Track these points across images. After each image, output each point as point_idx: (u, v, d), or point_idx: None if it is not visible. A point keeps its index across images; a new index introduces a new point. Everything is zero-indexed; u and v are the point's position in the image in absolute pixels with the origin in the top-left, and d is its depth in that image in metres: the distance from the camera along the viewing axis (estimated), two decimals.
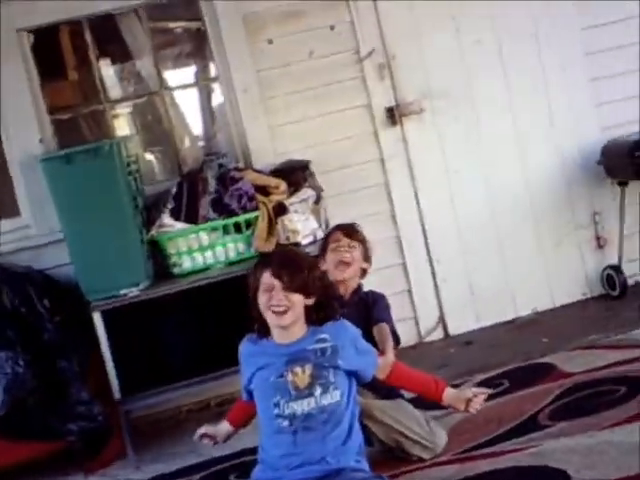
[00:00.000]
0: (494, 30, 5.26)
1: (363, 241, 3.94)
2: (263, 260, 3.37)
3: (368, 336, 3.58)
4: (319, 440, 3.21)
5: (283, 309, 3.24)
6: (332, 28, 5.15)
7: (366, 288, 3.97)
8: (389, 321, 3.82)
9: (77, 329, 4.38)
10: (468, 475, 3.40)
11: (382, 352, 3.59)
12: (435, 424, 3.76)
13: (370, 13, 5.16)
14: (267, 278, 3.26)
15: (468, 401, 3.57)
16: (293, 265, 3.27)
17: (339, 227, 4.00)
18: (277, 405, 3.23)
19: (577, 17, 5.29)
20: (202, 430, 3.61)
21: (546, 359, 4.48)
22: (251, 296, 3.31)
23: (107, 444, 4.30)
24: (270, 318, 3.27)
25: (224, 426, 3.62)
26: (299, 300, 3.25)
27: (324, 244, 3.97)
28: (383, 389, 3.74)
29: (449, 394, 3.60)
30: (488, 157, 5.27)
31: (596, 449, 3.34)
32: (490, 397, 3.98)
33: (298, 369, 3.24)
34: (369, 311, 3.83)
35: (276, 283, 3.23)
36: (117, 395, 4.30)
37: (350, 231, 3.93)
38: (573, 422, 3.65)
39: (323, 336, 3.30)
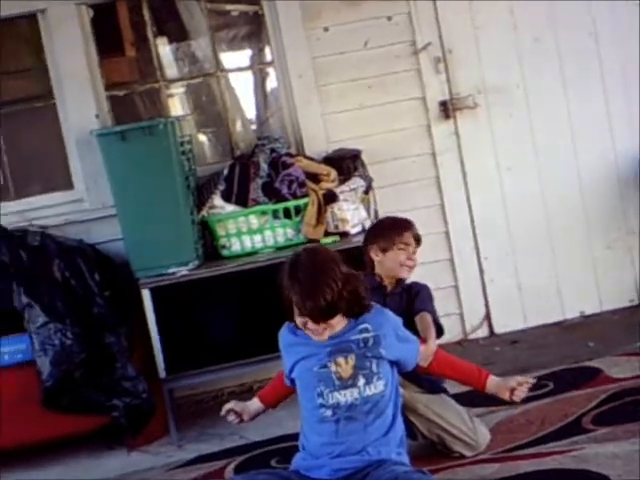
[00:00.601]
0: (553, 28, 5.22)
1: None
2: (290, 278, 3.18)
3: (411, 326, 3.56)
4: (361, 430, 3.20)
5: (320, 332, 3.22)
6: (389, 19, 5.13)
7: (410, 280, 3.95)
8: (431, 311, 3.80)
9: (125, 305, 4.40)
10: (509, 474, 3.38)
11: (424, 340, 3.57)
12: (478, 421, 3.74)
13: (428, 6, 5.14)
14: (297, 312, 3.19)
15: (512, 390, 3.53)
16: (318, 294, 3.11)
17: (409, 228, 3.88)
18: (321, 395, 3.22)
19: (637, 18, 5.22)
20: (230, 405, 3.58)
21: (592, 363, 4.45)
22: (286, 304, 3.23)
23: (150, 421, 4.30)
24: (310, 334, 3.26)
25: (254, 403, 3.60)
26: (334, 320, 3.20)
27: (389, 237, 3.85)
28: (427, 382, 3.73)
29: (492, 382, 3.56)
30: (542, 156, 5.24)
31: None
32: (534, 398, 3.99)
33: (341, 359, 3.22)
34: (412, 301, 3.81)
35: (307, 319, 3.18)
36: (162, 373, 4.32)
37: (419, 238, 3.88)
38: (617, 428, 3.62)
39: (365, 326, 3.28)
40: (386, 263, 3.82)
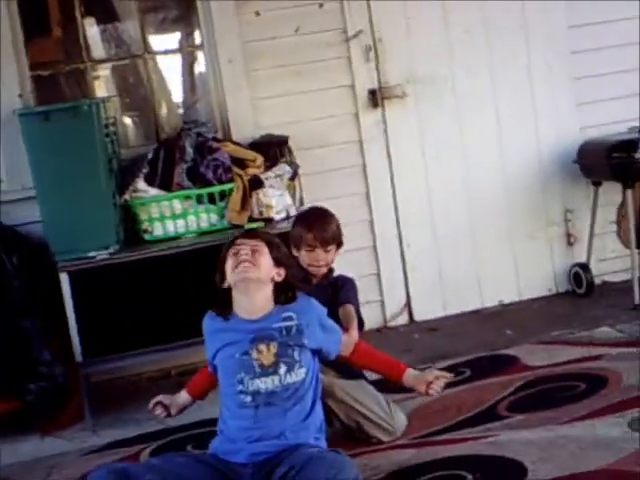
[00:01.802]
0: (483, 21, 5.25)
1: (336, 239, 3.84)
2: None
3: (334, 318, 3.59)
4: (280, 415, 3.22)
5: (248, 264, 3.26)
6: (321, 6, 5.11)
7: (337, 271, 3.94)
8: (355, 303, 3.82)
9: (44, 288, 4.33)
10: (425, 460, 3.42)
11: (346, 330, 3.60)
12: (396, 407, 3.77)
13: None
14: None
15: (429, 383, 3.58)
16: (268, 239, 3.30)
17: (315, 228, 3.79)
18: (241, 382, 3.23)
19: (565, 15, 5.30)
20: (158, 398, 3.59)
21: (509, 351, 4.51)
22: (219, 266, 3.31)
23: (65, 406, 4.27)
24: (235, 275, 3.27)
25: (182, 396, 3.61)
26: (266, 263, 3.27)
27: (298, 237, 3.83)
28: (345, 368, 3.75)
29: (410, 375, 3.61)
30: (467, 146, 5.28)
31: (554, 443, 3.37)
32: (451, 385, 4.01)
33: (263, 347, 3.24)
34: (337, 293, 3.81)
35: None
36: (79, 358, 4.27)
37: (327, 239, 3.80)
38: (532, 415, 3.68)
39: (289, 314, 3.30)
40: (300, 260, 3.81)
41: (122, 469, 3.12)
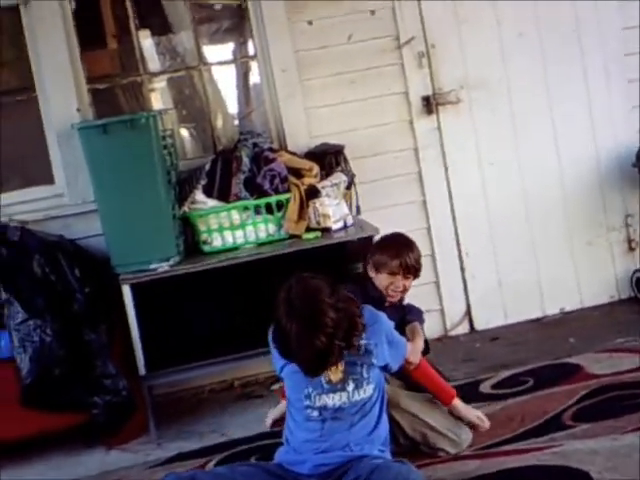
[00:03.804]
0: (536, 25, 5.22)
1: (418, 270, 3.89)
2: (286, 307, 3.12)
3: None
4: (346, 429, 3.23)
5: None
6: (373, 13, 5.11)
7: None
8: (422, 325, 3.88)
9: (105, 301, 4.36)
10: (489, 471, 3.39)
11: (411, 339, 3.65)
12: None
13: (412, 0, 5.10)
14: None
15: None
16: (311, 346, 3.05)
17: (401, 256, 3.81)
18: (308, 397, 3.24)
19: (619, 17, 5.25)
20: (270, 417, 3.72)
21: (572, 359, 4.46)
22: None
23: (130, 419, 4.28)
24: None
25: (283, 405, 3.61)
26: None
27: (382, 258, 3.83)
28: (410, 379, 3.75)
29: (456, 408, 3.66)
30: (523, 151, 5.24)
31: (620, 452, 3.33)
32: (514, 395, 4.02)
33: None
34: (405, 317, 3.87)
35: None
36: (142, 370, 4.29)
37: (410, 268, 3.83)
38: (597, 424, 3.64)
39: None
40: (376, 282, 3.85)
41: (191, 476, 3.16)
